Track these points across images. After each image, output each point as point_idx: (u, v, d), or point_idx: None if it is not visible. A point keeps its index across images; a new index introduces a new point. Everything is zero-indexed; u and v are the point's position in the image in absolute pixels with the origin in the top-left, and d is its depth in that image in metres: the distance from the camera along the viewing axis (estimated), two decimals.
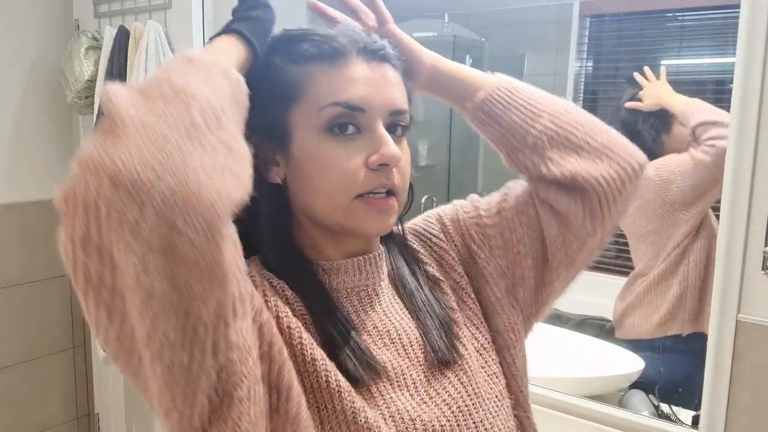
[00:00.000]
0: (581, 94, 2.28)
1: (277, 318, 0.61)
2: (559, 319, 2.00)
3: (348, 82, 0.64)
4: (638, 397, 1.57)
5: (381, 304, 0.70)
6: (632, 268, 1.80)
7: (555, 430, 1.45)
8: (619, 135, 0.78)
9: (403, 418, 0.63)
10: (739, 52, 1.14)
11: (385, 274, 0.72)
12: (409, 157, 0.69)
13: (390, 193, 0.65)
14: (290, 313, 0.62)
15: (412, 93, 0.73)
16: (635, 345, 1.73)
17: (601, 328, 1.93)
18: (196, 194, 0.45)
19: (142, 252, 0.45)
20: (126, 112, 0.47)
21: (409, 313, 0.71)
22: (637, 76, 1.73)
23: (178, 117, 0.48)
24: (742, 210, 1.17)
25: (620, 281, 1.84)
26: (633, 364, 1.67)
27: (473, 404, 0.67)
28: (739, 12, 1.14)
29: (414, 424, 0.63)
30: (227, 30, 0.66)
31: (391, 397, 0.64)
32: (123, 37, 1.88)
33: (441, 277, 0.75)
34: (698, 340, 1.36)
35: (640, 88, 1.73)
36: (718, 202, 1.22)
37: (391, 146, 0.63)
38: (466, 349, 0.71)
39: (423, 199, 2.07)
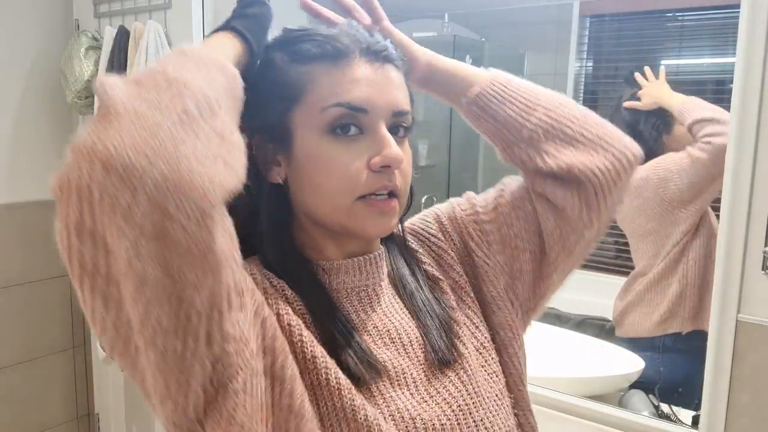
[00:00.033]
0: (581, 94, 2.28)
1: (278, 315, 0.61)
2: (559, 319, 2.00)
3: (351, 83, 0.63)
4: (638, 397, 1.57)
5: (381, 304, 0.70)
6: (632, 268, 1.80)
7: (555, 430, 1.45)
8: (614, 127, 0.79)
9: (403, 417, 0.63)
10: (739, 52, 1.14)
11: (385, 274, 0.72)
12: (411, 158, 0.69)
13: (392, 194, 0.65)
14: (290, 311, 0.62)
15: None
16: (635, 345, 1.73)
17: (601, 328, 1.93)
18: (188, 180, 0.45)
19: (135, 237, 0.45)
20: (119, 100, 0.47)
21: (409, 313, 0.71)
22: (637, 76, 1.74)
23: (172, 105, 0.48)
24: (742, 210, 1.17)
25: (620, 281, 1.84)
26: (633, 364, 1.67)
27: (473, 403, 0.68)
28: (739, 12, 1.14)
29: (414, 423, 0.63)
30: (223, 27, 0.66)
31: (391, 396, 0.64)
32: (123, 37, 1.88)
33: (440, 277, 0.76)
34: (698, 340, 1.36)
35: (640, 87, 1.74)
36: (718, 201, 1.22)
37: (393, 148, 0.63)
38: (467, 348, 0.71)
39: (423, 199, 2.08)
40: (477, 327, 0.74)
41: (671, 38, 2.09)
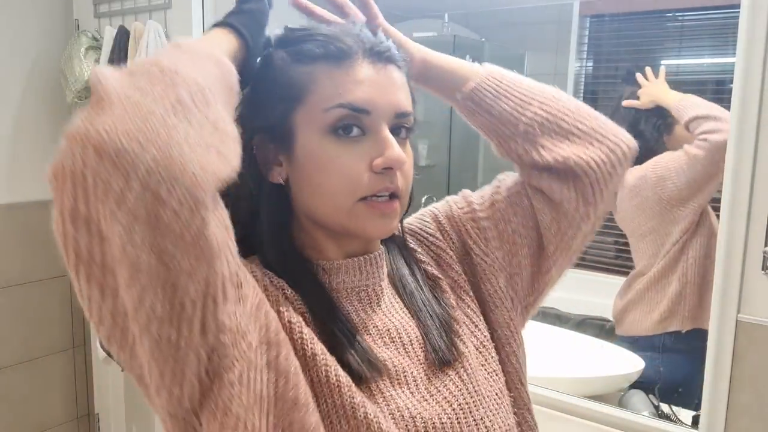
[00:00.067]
0: (581, 94, 2.28)
1: (278, 313, 0.61)
2: (559, 319, 2.00)
3: (353, 84, 0.63)
4: (638, 397, 1.57)
5: (381, 304, 0.70)
6: (632, 268, 1.81)
7: (555, 430, 1.45)
8: (607, 119, 0.80)
9: (403, 416, 0.63)
10: (739, 52, 1.14)
11: (385, 274, 0.72)
12: (413, 159, 0.69)
13: (393, 196, 0.65)
14: (291, 309, 0.63)
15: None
16: (635, 345, 1.73)
17: (601, 328, 1.93)
18: (180, 166, 0.46)
19: (128, 222, 0.45)
20: (113, 88, 0.47)
21: (410, 312, 0.71)
22: (638, 76, 1.74)
23: (164, 93, 0.48)
24: (742, 210, 1.17)
25: (620, 281, 1.84)
26: (633, 364, 1.67)
27: (474, 402, 0.68)
28: (739, 12, 1.14)
29: (414, 422, 0.63)
30: (219, 24, 0.65)
31: (391, 395, 0.64)
32: (123, 37, 1.88)
33: (439, 276, 0.76)
34: (698, 339, 1.36)
35: (639, 86, 1.74)
36: (718, 201, 1.22)
37: (395, 149, 0.63)
38: (467, 347, 0.71)
39: (423, 199, 2.07)
40: (476, 326, 0.74)
41: (671, 38, 2.09)
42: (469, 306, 0.75)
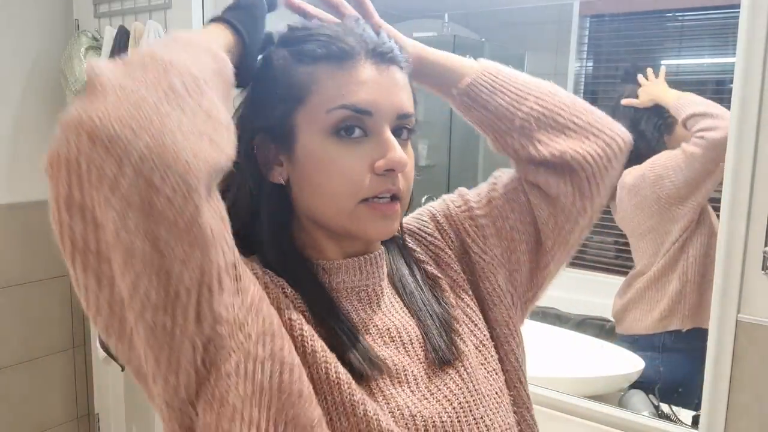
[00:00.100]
0: (581, 94, 2.28)
1: (278, 310, 0.61)
2: (559, 319, 2.00)
3: (356, 85, 0.63)
4: (638, 397, 1.57)
5: (381, 304, 0.70)
6: (632, 268, 1.81)
7: (555, 430, 1.45)
8: (602, 113, 0.80)
9: (402, 414, 0.63)
10: (739, 52, 1.14)
11: (384, 274, 0.72)
12: (414, 160, 0.69)
13: (394, 197, 0.65)
14: (291, 306, 0.63)
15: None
16: (635, 344, 1.73)
17: (601, 328, 1.93)
18: (173, 153, 0.46)
19: (122, 208, 0.46)
20: (106, 78, 0.48)
21: (409, 312, 0.71)
22: (640, 77, 1.74)
23: (157, 81, 0.49)
24: (742, 210, 1.17)
25: (620, 281, 1.84)
26: (633, 364, 1.67)
27: (474, 401, 0.68)
28: (739, 12, 1.14)
29: (414, 420, 0.63)
30: (215, 20, 0.65)
31: (390, 393, 0.64)
32: (123, 37, 1.88)
33: (439, 275, 0.76)
34: (698, 338, 1.36)
35: (638, 85, 1.75)
36: (718, 201, 1.22)
37: (398, 151, 0.63)
38: (467, 346, 0.71)
39: (423, 200, 2.07)
40: (476, 325, 0.74)
41: (671, 38, 2.09)
42: (468, 305, 0.75)
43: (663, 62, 2.01)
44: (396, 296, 0.72)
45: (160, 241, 0.47)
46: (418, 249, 0.77)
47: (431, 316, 0.71)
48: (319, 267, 0.68)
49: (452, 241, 0.78)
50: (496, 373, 0.73)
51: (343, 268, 0.69)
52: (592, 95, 2.31)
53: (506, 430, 0.69)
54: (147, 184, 0.46)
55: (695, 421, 1.33)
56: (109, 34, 1.90)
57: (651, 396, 1.56)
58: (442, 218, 0.80)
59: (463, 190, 0.82)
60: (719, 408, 1.23)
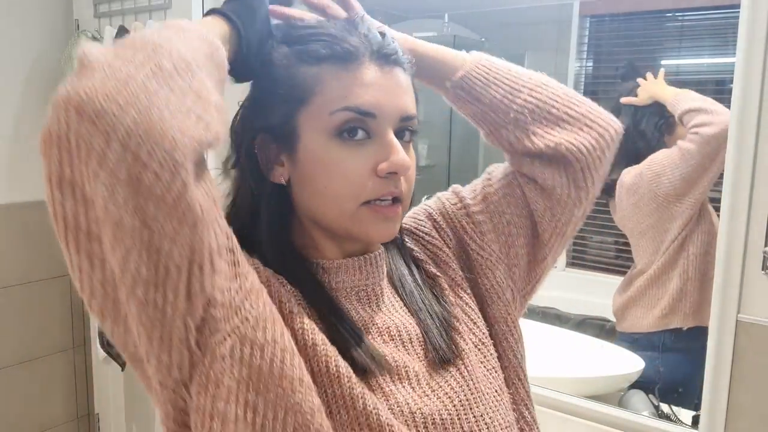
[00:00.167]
0: (581, 94, 2.27)
1: (280, 303, 0.61)
2: (559, 319, 2.00)
3: (360, 87, 0.63)
4: (638, 397, 1.57)
5: (381, 303, 0.70)
6: (632, 268, 1.80)
7: (555, 430, 1.45)
8: (594, 104, 0.81)
9: (402, 411, 0.63)
10: (739, 52, 1.14)
11: (384, 273, 0.72)
12: (416, 162, 0.69)
13: (396, 200, 0.65)
14: (292, 300, 0.63)
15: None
16: (635, 344, 1.73)
17: (601, 328, 1.93)
18: (159, 129, 0.47)
19: (111, 183, 0.46)
20: (95, 58, 0.49)
21: (409, 311, 0.71)
22: (640, 80, 1.74)
23: (146, 61, 0.49)
24: (742, 210, 1.17)
25: (620, 281, 1.84)
26: (633, 364, 1.67)
27: (474, 399, 0.68)
28: (739, 12, 1.14)
29: (414, 417, 0.63)
30: (210, 12, 0.65)
31: (390, 390, 0.64)
32: (123, 37, 1.87)
33: (438, 274, 0.76)
34: (698, 338, 1.36)
35: (636, 82, 1.75)
36: (718, 201, 1.22)
37: (401, 154, 0.63)
38: (466, 344, 0.71)
39: (423, 200, 2.08)
40: (475, 323, 0.74)
41: (671, 38, 2.09)
42: (467, 303, 0.75)
43: (663, 62, 2.01)
44: (395, 296, 0.72)
45: (148, 216, 0.47)
46: (416, 248, 0.77)
47: (431, 315, 0.71)
48: (319, 266, 0.68)
49: (450, 240, 0.79)
50: (496, 371, 0.73)
51: (343, 268, 0.69)
52: (592, 95, 2.30)
53: (506, 427, 0.69)
54: (134, 159, 0.46)
55: (695, 421, 1.33)
56: (109, 34, 1.90)
57: (651, 396, 1.56)
58: (438, 217, 0.80)
59: (457, 187, 0.82)
60: (719, 408, 1.23)
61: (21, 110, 2.06)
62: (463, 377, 0.68)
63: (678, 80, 1.76)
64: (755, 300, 1.18)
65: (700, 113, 1.55)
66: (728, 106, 1.19)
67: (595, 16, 2.24)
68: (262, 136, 0.67)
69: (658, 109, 1.72)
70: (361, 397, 0.60)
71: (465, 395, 0.67)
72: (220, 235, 0.52)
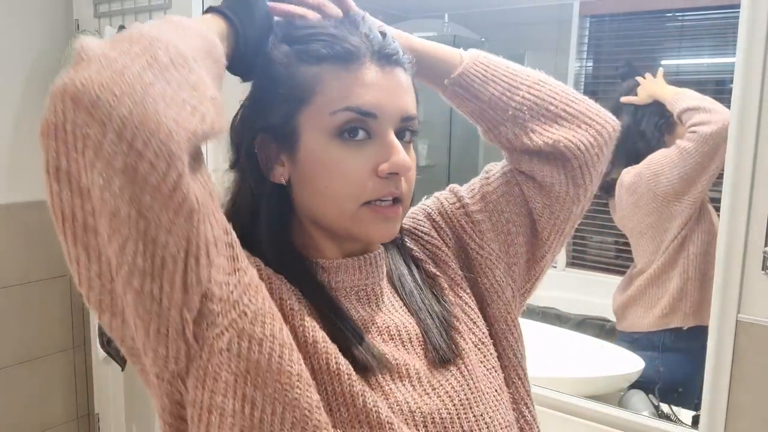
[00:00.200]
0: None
1: (281, 300, 0.61)
2: (559, 319, 2.00)
3: (361, 87, 0.63)
4: (638, 397, 1.57)
5: (380, 303, 0.70)
6: (632, 267, 1.81)
7: (555, 430, 1.45)
8: (591, 101, 0.81)
9: (402, 410, 0.63)
10: (739, 52, 1.14)
11: (384, 273, 0.72)
12: (416, 162, 0.69)
13: (396, 200, 0.65)
14: (293, 298, 0.63)
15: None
16: (635, 344, 1.73)
17: (601, 328, 1.93)
18: (154, 119, 0.47)
19: (107, 172, 0.46)
20: (92, 50, 0.49)
21: (409, 311, 0.71)
22: (639, 79, 1.74)
23: (142, 53, 0.50)
24: (742, 210, 1.17)
25: (620, 281, 1.84)
26: (633, 364, 1.67)
27: (474, 398, 0.68)
28: (739, 12, 1.14)
29: (413, 416, 0.63)
30: (208, 10, 0.65)
31: (390, 389, 0.64)
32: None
33: (437, 273, 0.76)
34: (698, 338, 1.36)
35: (637, 83, 1.75)
36: (718, 201, 1.22)
37: (401, 155, 0.63)
38: (466, 344, 0.71)
39: (423, 200, 2.08)
40: (475, 322, 0.74)
41: (671, 38, 2.09)
42: (466, 303, 0.75)
43: (663, 62, 2.01)
44: (395, 295, 0.72)
45: (144, 206, 0.47)
46: (416, 248, 0.77)
47: (431, 315, 0.71)
48: (319, 266, 0.68)
49: (449, 239, 0.79)
50: (495, 371, 0.73)
51: (343, 268, 0.69)
52: (592, 95, 2.30)
53: (506, 427, 0.69)
54: (130, 149, 0.46)
55: (695, 421, 1.33)
56: (109, 34, 1.90)
57: (651, 396, 1.56)
58: (437, 216, 0.80)
59: (455, 186, 0.82)
60: (719, 408, 1.23)
61: (21, 110, 2.06)
62: (463, 376, 0.68)
63: (678, 80, 1.76)
64: (755, 300, 1.18)
65: (699, 112, 1.55)
66: (728, 106, 1.19)
67: (595, 16, 2.24)
68: (263, 135, 0.67)
69: (658, 108, 1.72)
70: (361, 395, 0.60)
71: (465, 394, 0.67)
72: (216, 227, 0.52)
